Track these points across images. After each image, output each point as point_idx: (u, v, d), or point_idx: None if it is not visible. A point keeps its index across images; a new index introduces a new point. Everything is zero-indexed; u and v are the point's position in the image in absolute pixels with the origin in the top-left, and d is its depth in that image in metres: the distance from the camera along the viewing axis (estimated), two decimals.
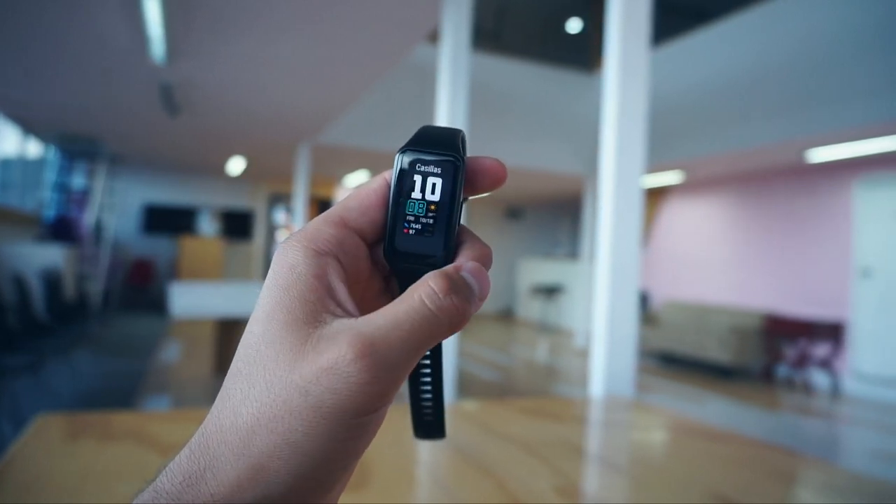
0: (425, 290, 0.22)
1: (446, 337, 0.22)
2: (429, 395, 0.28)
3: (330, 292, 0.21)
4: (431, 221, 0.24)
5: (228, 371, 0.21)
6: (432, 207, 0.24)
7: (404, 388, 0.29)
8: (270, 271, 0.22)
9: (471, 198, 0.27)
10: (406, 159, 0.24)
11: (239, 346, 0.21)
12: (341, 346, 0.19)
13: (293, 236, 0.23)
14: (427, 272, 0.24)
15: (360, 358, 0.19)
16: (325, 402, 0.19)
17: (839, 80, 4.45)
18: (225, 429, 0.19)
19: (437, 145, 0.24)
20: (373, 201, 0.24)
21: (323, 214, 0.24)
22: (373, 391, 0.19)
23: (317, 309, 0.21)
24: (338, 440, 0.19)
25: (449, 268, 0.23)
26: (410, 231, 0.24)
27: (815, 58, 4.67)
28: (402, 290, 0.26)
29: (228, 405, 0.20)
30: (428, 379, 0.28)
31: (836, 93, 4.46)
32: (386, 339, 0.20)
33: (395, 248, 0.24)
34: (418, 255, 0.24)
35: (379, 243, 0.25)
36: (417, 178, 0.24)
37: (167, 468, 0.19)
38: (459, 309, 0.22)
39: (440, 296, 0.21)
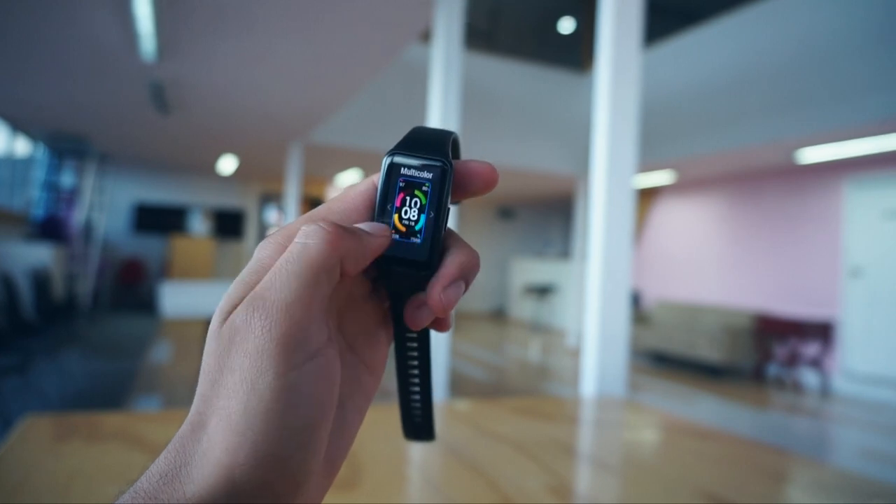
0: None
1: (329, 262, 0.21)
2: (417, 397, 0.28)
3: None
4: (418, 226, 0.24)
5: None
6: (419, 212, 0.24)
7: (394, 387, 0.29)
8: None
9: (462, 200, 0.26)
10: (394, 162, 0.24)
11: None
12: (240, 312, 0.20)
13: (272, 234, 0.23)
14: (413, 277, 0.24)
15: (253, 312, 0.20)
16: (246, 371, 0.19)
17: (829, 81, 4.49)
18: (195, 426, 0.20)
19: (427, 148, 0.24)
20: (358, 204, 0.24)
21: (306, 214, 0.24)
22: (276, 336, 0.19)
23: None
24: (273, 411, 0.19)
25: None
26: (396, 235, 0.24)
27: (805, 58, 4.70)
28: (389, 293, 0.25)
29: (196, 402, 0.20)
30: (416, 379, 0.27)
31: (826, 93, 4.50)
32: (272, 286, 0.20)
33: (381, 252, 0.24)
34: (404, 259, 0.24)
35: None
36: (404, 182, 0.24)
37: (148, 469, 0.20)
38: (327, 229, 0.21)
39: (304, 227, 0.22)
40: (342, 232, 0.21)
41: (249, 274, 0.21)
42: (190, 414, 0.20)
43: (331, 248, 0.21)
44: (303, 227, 0.22)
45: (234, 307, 0.21)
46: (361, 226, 0.23)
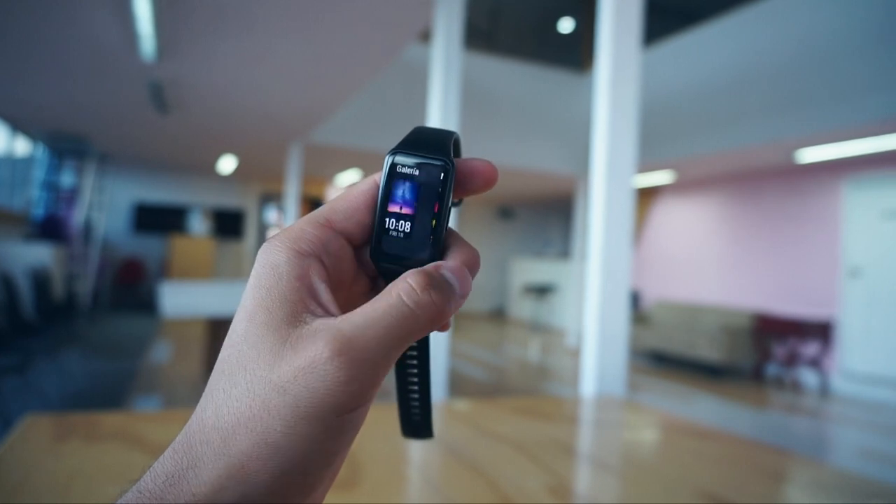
0: (403, 286, 0.22)
1: (425, 334, 0.22)
2: (416, 395, 0.28)
3: (312, 293, 0.21)
4: (419, 225, 0.24)
5: (213, 371, 0.21)
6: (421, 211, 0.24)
7: (393, 387, 0.29)
8: (253, 271, 0.22)
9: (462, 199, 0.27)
10: (396, 161, 0.24)
11: (223, 347, 0.21)
12: (319, 344, 0.19)
13: (277, 236, 0.22)
14: None
15: (337, 356, 0.19)
16: (303, 401, 0.19)
17: (829, 81, 4.49)
18: (207, 428, 0.19)
19: (428, 148, 0.24)
20: (360, 203, 0.24)
21: (309, 215, 0.24)
22: (350, 389, 0.19)
23: (297, 309, 0.21)
24: (316, 440, 0.19)
25: (429, 266, 0.23)
26: (398, 234, 0.24)
27: (805, 58, 4.70)
28: None
29: (211, 405, 0.20)
30: (415, 378, 0.27)
31: (826, 93, 4.50)
32: (363, 336, 0.20)
33: (383, 251, 0.24)
34: (405, 258, 0.24)
35: (366, 245, 0.25)
36: (406, 181, 0.24)
37: (151, 468, 0.19)
38: (437, 305, 0.22)
39: (418, 291, 0.21)
40: (448, 309, 0.22)
41: (276, 284, 0.21)
42: (203, 411, 0.20)
43: (437, 324, 0.22)
44: (413, 286, 0.21)
45: (270, 314, 0.20)
46: (450, 277, 0.23)
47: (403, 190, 0.24)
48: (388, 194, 0.24)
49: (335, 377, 0.19)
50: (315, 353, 0.19)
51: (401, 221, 0.24)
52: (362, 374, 0.19)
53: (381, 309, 0.21)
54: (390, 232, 0.24)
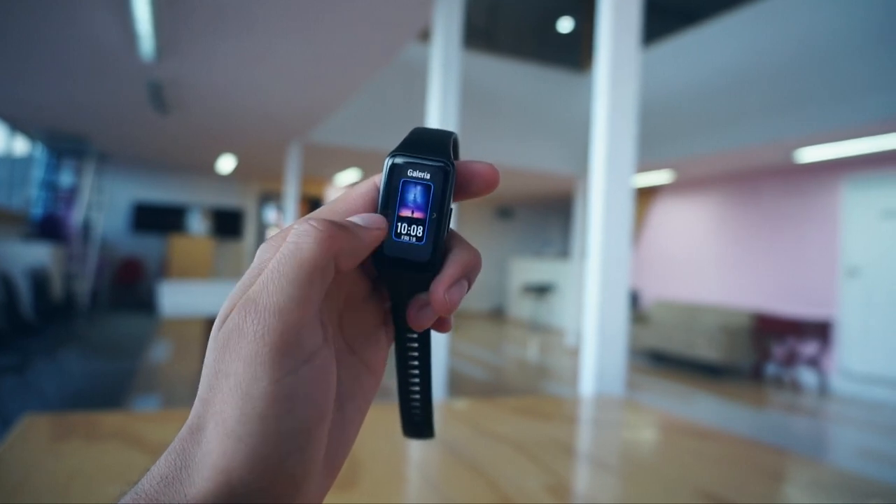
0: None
1: (323, 263, 0.21)
2: (417, 394, 0.28)
3: None
4: (420, 227, 0.24)
5: None
6: (421, 213, 0.24)
7: (394, 386, 0.29)
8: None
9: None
10: (396, 163, 0.24)
11: None
12: (233, 316, 0.20)
13: (274, 236, 0.23)
14: (415, 278, 0.24)
15: (247, 315, 0.19)
16: (240, 375, 0.19)
17: (829, 81, 4.49)
18: (194, 429, 0.20)
19: (428, 150, 0.24)
20: (360, 205, 0.24)
21: (308, 216, 0.24)
22: (271, 340, 0.19)
23: None
24: (269, 416, 0.18)
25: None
26: (399, 236, 0.24)
27: (805, 58, 4.70)
28: (391, 294, 0.25)
29: (196, 405, 0.20)
30: (416, 377, 0.27)
31: (826, 93, 4.50)
32: (264, 289, 0.20)
33: (384, 253, 0.24)
34: (406, 260, 0.24)
35: None
36: (407, 183, 0.24)
37: (149, 470, 0.20)
38: (321, 231, 0.21)
39: (296, 226, 0.21)
40: (334, 229, 0.21)
41: (250, 277, 0.21)
42: (189, 417, 0.20)
43: (322, 247, 0.21)
44: (294, 227, 0.21)
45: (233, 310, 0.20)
46: (355, 219, 0.23)
47: (405, 193, 0.24)
48: (388, 196, 0.24)
49: (251, 338, 0.19)
50: (232, 324, 0.20)
51: (404, 224, 0.24)
52: (273, 323, 0.19)
53: (273, 260, 0.21)
54: (401, 236, 0.24)
